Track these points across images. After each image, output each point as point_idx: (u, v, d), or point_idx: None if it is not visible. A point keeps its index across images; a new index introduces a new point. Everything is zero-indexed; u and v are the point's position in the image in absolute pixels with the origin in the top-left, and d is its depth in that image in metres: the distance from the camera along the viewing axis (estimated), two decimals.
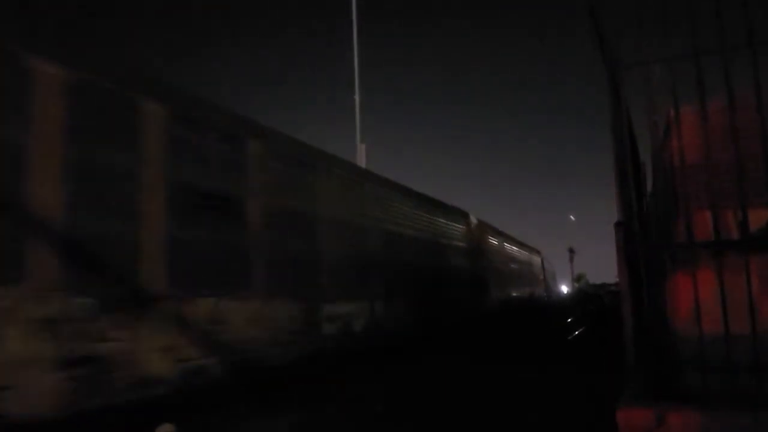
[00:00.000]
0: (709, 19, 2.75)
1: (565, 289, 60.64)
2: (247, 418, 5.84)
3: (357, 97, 18.42)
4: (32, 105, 4.80)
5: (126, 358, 5.26)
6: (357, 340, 9.46)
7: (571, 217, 78.96)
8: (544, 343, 13.26)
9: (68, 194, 4.97)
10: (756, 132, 2.60)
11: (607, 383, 4.32)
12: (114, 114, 5.58)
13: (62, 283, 4.82)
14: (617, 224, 2.73)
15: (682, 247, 2.69)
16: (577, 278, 67.48)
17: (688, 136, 2.78)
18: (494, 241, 21.05)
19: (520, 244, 27.88)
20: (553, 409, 6.06)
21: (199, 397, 5.83)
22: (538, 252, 34.45)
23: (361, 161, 16.85)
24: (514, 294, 24.04)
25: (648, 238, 2.78)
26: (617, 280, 2.79)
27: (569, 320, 21.86)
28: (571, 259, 64.81)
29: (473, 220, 17.90)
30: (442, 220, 14.86)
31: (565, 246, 69.53)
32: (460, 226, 16.45)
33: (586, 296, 39.17)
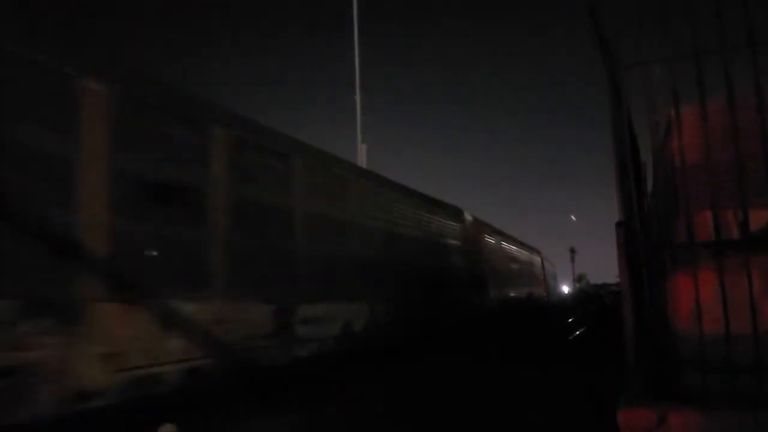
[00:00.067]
0: (709, 19, 2.75)
1: (566, 289, 60.56)
2: (247, 418, 5.84)
3: (358, 97, 18.39)
4: None
5: (55, 368, 4.64)
6: (337, 343, 8.78)
7: (572, 217, 78.92)
8: (544, 343, 13.23)
9: None
10: (756, 132, 2.60)
11: (608, 383, 4.32)
12: (45, 93, 4.95)
13: None
14: (618, 224, 2.73)
15: (682, 247, 2.69)
16: (578, 278, 67.39)
17: (688, 136, 2.78)
18: (491, 240, 20.31)
19: (519, 243, 27.22)
20: (553, 409, 6.05)
21: (200, 397, 5.82)
22: (537, 251, 33.65)
23: (362, 161, 16.81)
24: (513, 294, 23.42)
25: (649, 238, 2.77)
26: (618, 280, 2.79)
27: (570, 320, 21.85)
28: (572, 259, 64.76)
29: (468, 217, 17.16)
30: (433, 217, 14.08)
31: (566, 246, 69.48)
32: (454, 224, 15.66)
33: (587, 296, 39.12)
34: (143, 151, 5.79)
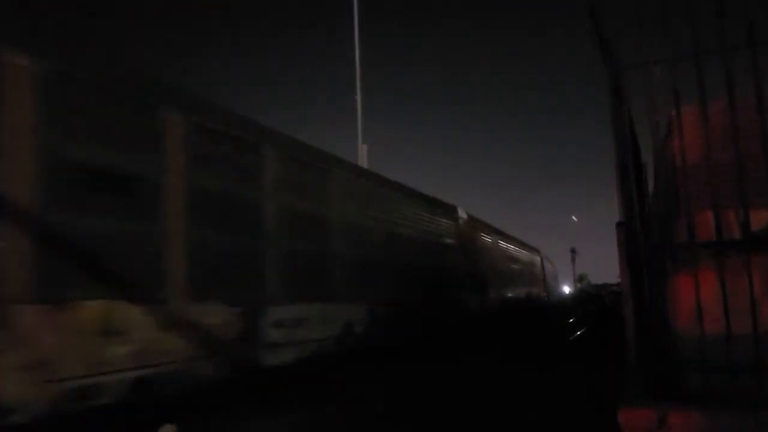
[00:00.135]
0: (709, 19, 2.75)
1: (567, 289, 60.50)
2: (247, 418, 5.84)
3: (358, 98, 18.36)
4: None
5: None
6: (317, 347, 8.10)
7: (574, 217, 78.79)
8: (543, 345, 13.21)
9: None
10: (757, 132, 2.60)
11: (609, 384, 4.32)
12: None
13: None
14: (618, 224, 2.73)
15: (683, 247, 2.69)
16: (579, 278, 67.34)
17: (689, 136, 2.78)
18: (487, 239, 19.44)
19: (517, 242, 26.34)
20: (553, 409, 6.06)
21: (200, 397, 5.82)
22: (537, 251, 32.82)
23: (363, 162, 16.78)
24: (511, 295, 22.69)
25: (649, 238, 2.77)
26: (619, 280, 2.79)
27: (570, 321, 21.84)
28: (573, 260, 64.70)
29: (462, 215, 16.34)
30: (425, 214, 13.33)
31: (567, 246, 69.36)
32: (447, 222, 14.89)
33: (588, 296, 39.13)
34: (81, 134, 5.20)
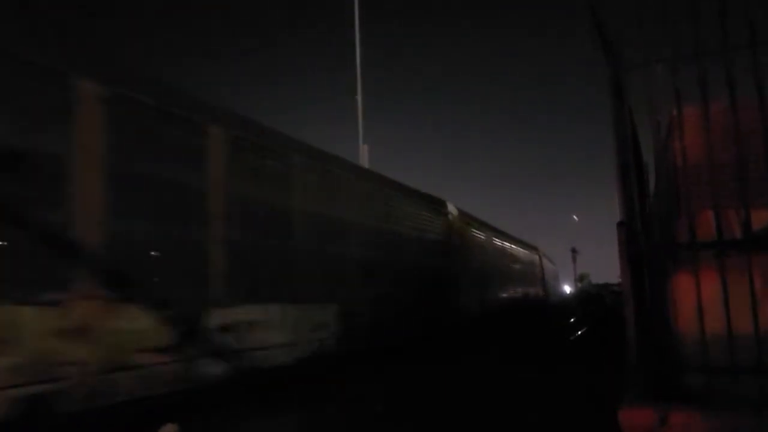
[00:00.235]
0: (711, 18, 2.75)
1: (567, 289, 60.41)
2: (247, 418, 5.84)
3: (359, 98, 18.35)
4: None
5: None
6: (272, 355, 7.16)
7: (575, 216, 78.57)
8: (543, 346, 13.18)
9: None
10: (758, 132, 2.60)
11: (609, 384, 4.32)
12: None
13: None
14: (619, 224, 2.73)
15: (684, 247, 2.69)
16: (580, 278, 67.26)
17: (690, 136, 2.79)
18: (480, 236, 18.42)
19: (514, 240, 25.25)
20: (553, 409, 6.06)
21: (200, 397, 5.82)
22: (535, 249, 31.76)
23: (364, 162, 16.75)
24: (506, 295, 21.69)
25: (650, 238, 2.78)
26: (620, 280, 2.79)
27: (570, 321, 21.79)
28: (574, 260, 64.60)
29: (452, 210, 15.25)
30: (408, 208, 12.32)
31: (568, 246, 69.28)
32: (433, 216, 13.82)
33: (589, 296, 39.10)
34: None
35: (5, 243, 4.64)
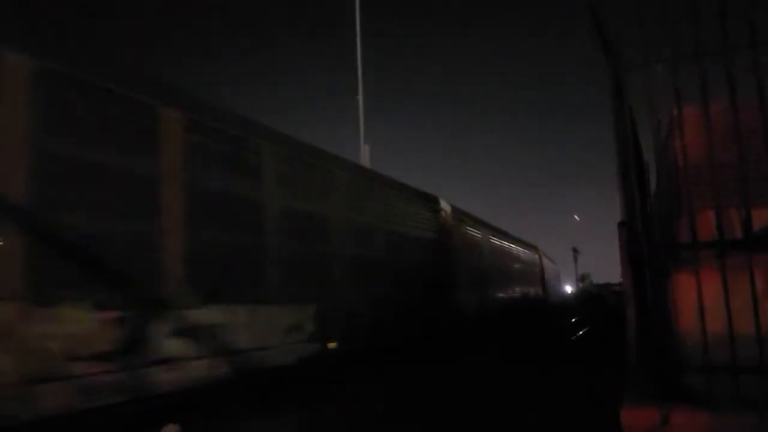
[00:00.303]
0: (711, 18, 2.75)
1: (569, 289, 60.37)
2: (247, 418, 5.84)
3: (360, 98, 18.31)
4: None
5: None
6: (238, 360, 6.46)
7: (576, 216, 78.37)
8: (542, 348, 13.14)
9: None
10: (758, 131, 2.60)
11: (610, 384, 4.32)
12: None
13: None
14: (620, 224, 2.73)
15: (685, 247, 2.69)
16: (582, 278, 67.23)
17: (690, 136, 2.79)
18: (475, 234, 17.55)
19: (512, 239, 24.26)
20: (553, 409, 6.06)
21: (200, 398, 5.82)
22: (535, 248, 30.90)
23: (365, 162, 16.69)
24: (503, 295, 20.91)
25: (651, 238, 2.78)
26: (621, 280, 2.80)
27: (571, 321, 21.75)
28: (575, 259, 64.53)
29: (445, 206, 14.43)
30: (397, 204, 11.52)
31: (569, 246, 69.18)
32: (424, 213, 13.04)
33: (590, 296, 39.08)
34: None
35: None
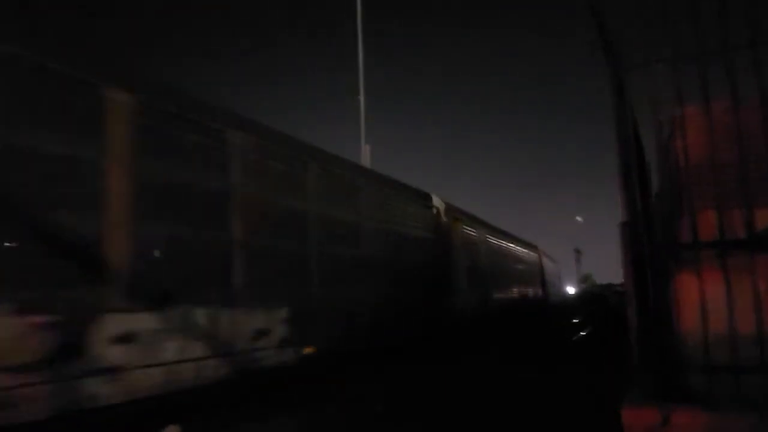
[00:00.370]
0: (712, 18, 2.75)
1: (571, 289, 60.32)
2: (247, 418, 5.83)
3: (361, 98, 18.30)
4: None
5: None
6: (194, 369, 5.79)
7: (578, 218, 78.28)
8: (542, 350, 13.10)
9: None
10: (760, 131, 2.60)
11: (611, 384, 4.32)
12: None
13: None
14: (622, 224, 2.74)
15: (687, 247, 2.70)
16: (584, 279, 67.19)
17: (692, 135, 2.79)
18: (471, 232, 16.87)
19: (510, 238, 23.56)
20: (553, 409, 6.06)
21: (201, 398, 5.81)
22: (535, 247, 30.20)
23: (366, 162, 16.66)
24: (501, 296, 20.13)
25: (653, 238, 2.78)
26: (623, 280, 2.80)
27: (574, 321, 21.71)
28: (577, 260, 64.46)
29: (438, 203, 13.71)
30: (383, 200, 10.75)
31: (570, 247, 69.05)
32: (414, 209, 12.33)
33: (592, 297, 39.06)
34: None
35: None
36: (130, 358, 5.14)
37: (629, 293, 2.68)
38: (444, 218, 14.05)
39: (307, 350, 7.63)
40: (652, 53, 2.86)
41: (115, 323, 5.04)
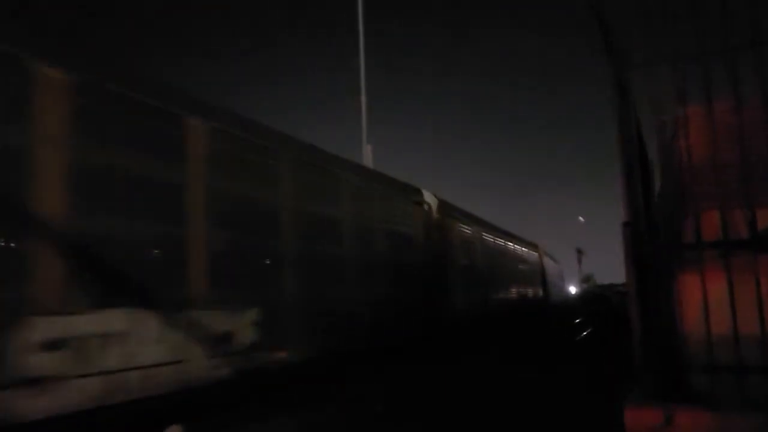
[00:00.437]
0: (715, 18, 2.75)
1: (573, 289, 60.34)
2: (247, 417, 5.83)
3: (363, 98, 18.31)
4: None
5: None
6: (143, 379, 5.19)
7: (581, 218, 78.35)
8: (542, 350, 13.11)
9: None
10: (763, 131, 2.60)
11: (612, 385, 4.32)
12: None
13: None
14: (624, 224, 2.73)
15: (689, 247, 2.69)
16: (586, 279, 67.20)
17: (695, 135, 2.78)
18: (466, 230, 16.07)
19: (509, 236, 22.77)
20: (553, 409, 6.06)
21: (201, 398, 5.81)
22: (535, 246, 29.45)
23: (368, 162, 16.64)
24: (498, 296, 19.57)
25: (655, 238, 2.77)
26: (626, 280, 2.79)
27: (576, 321, 21.69)
28: (579, 260, 64.49)
29: (430, 199, 12.91)
30: (360, 192, 9.96)
31: (572, 247, 69.03)
32: (402, 205, 11.64)
33: (594, 297, 39.13)
34: None
35: None
36: (64, 367, 4.52)
37: (631, 293, 2.68)
38: (436, 215, 13.35)
39: (277, 354, 7.03)
40: (653, 53, 2.86)
41: (41, 328, 4.43)
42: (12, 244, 4.53)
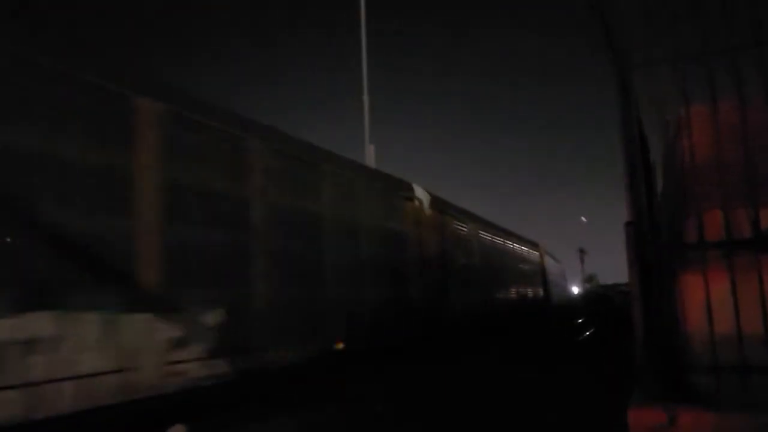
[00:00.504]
0: (717, 17, 2.75)
1: (576, 290, 60.32)
2: (247, 417, 5.82)
3: (366, 98, 18.28)
4: None
5: None
6: (76, 390, 4.54)
7: (583, 218, 78.45)
8: (542, 350, 13.10)
9: None
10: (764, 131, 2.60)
11: (614, 385, 4.32)
12: None
13: None
14: (627, 224, 2.73)
15: (692, 247, 2.69)
16: (588, 279, 67.18)
17: (698, 135, 2.78)
18: (461, 227, 15.41)
19: (508, 235, 22.08)
20: (553, 409, 6.06)
21: (202, 398, 5.80)
22: (536, 245, 28.84)
23: (371, 162, 16.61)
24: (496, 296, 19.11)
25: (658, 238, 2.77)
26: (628, 280, 2.79)
27: (578, 322, 21.63)
28: (582, 260, 64.45)
29: (422, 195, 12.39)
30: (342, 186, 9.27)
31: (574, 247, 69.01)
32: (391, 200, 11.10)
33: (597, 297, 39.12)
34: None
35: None
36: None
37: (634, 293, 2.67)
38: (428, 211, 12.67)
39: (242, 361, 6.37)
40: (658, 52, 2.85)
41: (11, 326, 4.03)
42: None
